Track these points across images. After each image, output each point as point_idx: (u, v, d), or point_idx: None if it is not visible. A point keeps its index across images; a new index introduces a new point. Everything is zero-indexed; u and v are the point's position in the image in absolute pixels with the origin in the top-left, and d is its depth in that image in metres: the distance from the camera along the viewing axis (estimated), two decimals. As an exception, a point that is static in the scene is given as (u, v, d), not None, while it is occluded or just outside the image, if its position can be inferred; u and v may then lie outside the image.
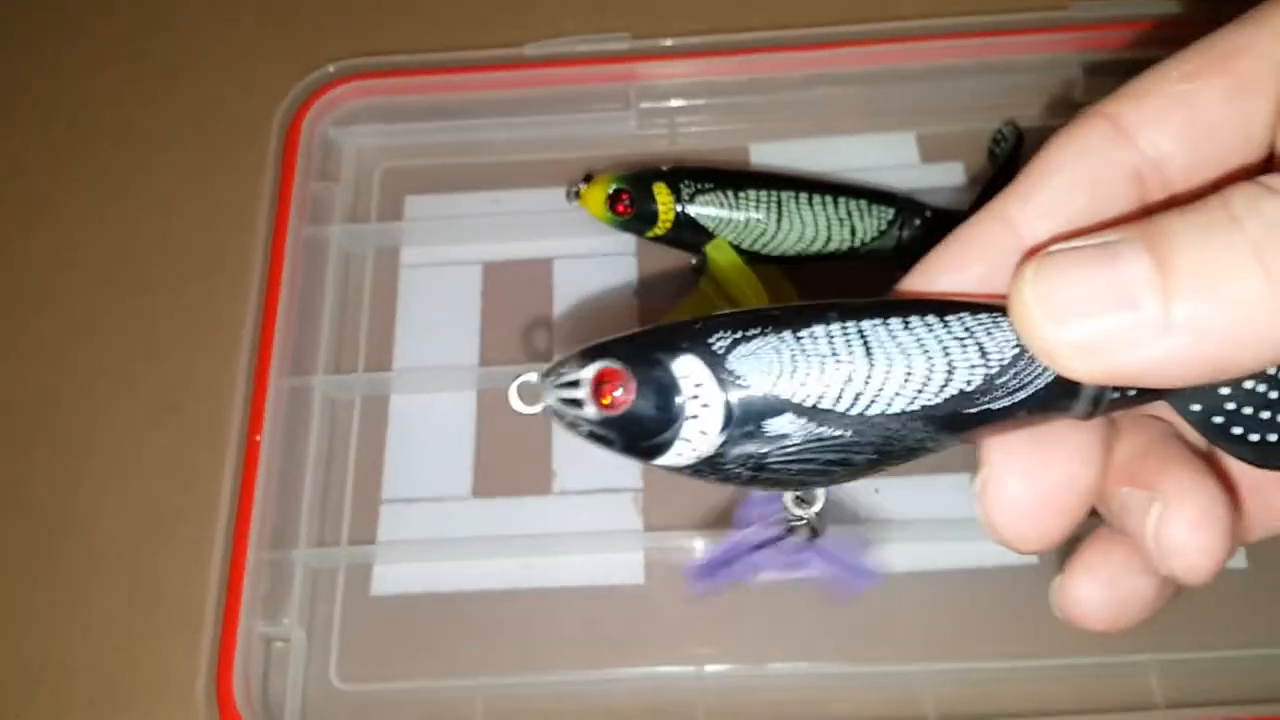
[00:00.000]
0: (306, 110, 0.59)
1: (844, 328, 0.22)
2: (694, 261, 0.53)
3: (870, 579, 0.32)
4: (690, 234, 0.52)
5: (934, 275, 0.26)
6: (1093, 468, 0.26)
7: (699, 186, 0.52)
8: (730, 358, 0.22)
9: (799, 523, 0.26)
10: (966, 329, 0.23)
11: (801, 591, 0.49)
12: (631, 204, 0.52)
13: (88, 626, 0.51)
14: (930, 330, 0.22)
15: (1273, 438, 0.23)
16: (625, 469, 0.50)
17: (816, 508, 0.26)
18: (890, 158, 0.59)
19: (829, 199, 0.53)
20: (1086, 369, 0.22)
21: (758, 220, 0.52)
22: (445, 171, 0.60)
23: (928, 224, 0.53)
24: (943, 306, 0.23)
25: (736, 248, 0.52)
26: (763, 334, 0.22)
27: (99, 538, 0.52)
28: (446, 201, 0.59)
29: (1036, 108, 0.59)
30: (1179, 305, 0.20)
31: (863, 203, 0.53)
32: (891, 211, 0.53)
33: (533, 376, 0.24)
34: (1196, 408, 0.24)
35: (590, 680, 0.48)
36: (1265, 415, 0.23)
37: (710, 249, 0.51)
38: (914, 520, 0.49)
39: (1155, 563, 0.25)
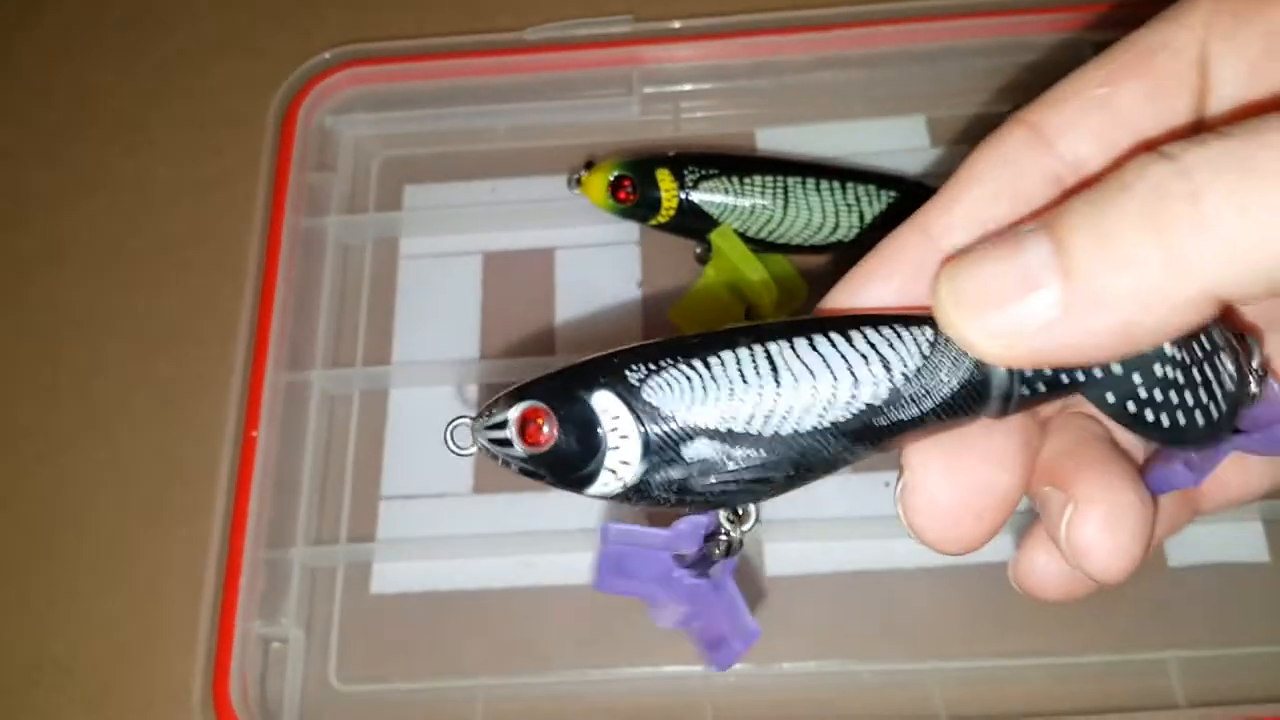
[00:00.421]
0: (302, 99, 0.58)
1: (751, 351, 0.23)
2: (698, 250, 0.52)
3: (747, 639, 0.32)
4: (694, 221, 0.51)
5: (857, 288, 0.26)
6: (1012, 472, 0.26)
7: (703, 172, 0.51)
8: (644, 389, 0.23)
9: (724, 539, 0.27)
10: (870, 344, 0.24)
11: (811, 589, 0.48)
12: (634, 191, 0.51)
13: (84, 626, 0.50)
14: (834, 347, 0.23)
15: (1181, 419, 0.24)
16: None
17: (748, 526, 0.26)
18: (900, 141, 0.57)
19: (837, 184, 0.51)
20: (1003, 356, 0.23)
21: (764, 207, 0.51)
22: (444, 160, 0.59)
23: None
24: (849, 322, 0.24)
25: (742, 235, 0.51)
26: (675, 364, 0.23)
27: (95, 536, 0.52)
28: (446, 190, 0.59)
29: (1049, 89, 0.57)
30: (1078, 280, 0.21)
31: (871, 188, 0.52)
32: (901, 197, 0.52)
33: (466, 421, 0.25)
34: (1111, 398, 0.24)
35: (595, 680, 0.47)
36: (1175, 398, 0.24)
37: (715, 237, 0.50)
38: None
39: (1069, 562, 0.26)
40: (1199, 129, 0.24)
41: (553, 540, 0.50)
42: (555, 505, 0.51)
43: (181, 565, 0.50)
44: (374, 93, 0.59)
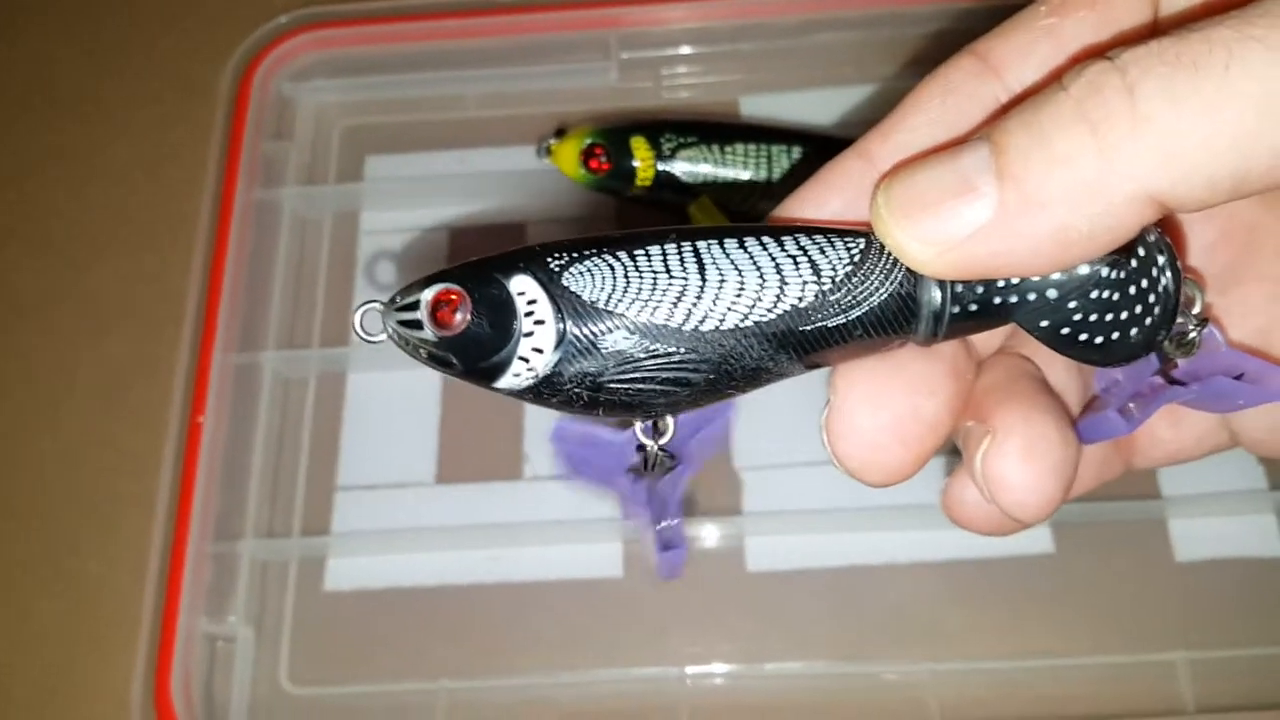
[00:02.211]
0: (258, 64, 0.56)
1: (679, 247, 0.23)
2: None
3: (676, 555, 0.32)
4: (672, 193, 0.50)
5: (796, 210, 0.26)
6: (939, 399, 0.26)
7: (681, 140, 0.49)
8: (565, 275, 0.23)
9: (644, 454, 0.27)
10: (800, 247, 0.24)
11: (797, 585, 0.47)
12: (607, 159, 0.49)
13: (22, 625, 0.49)
14: (764, 249, 0.23)
15: (1115, 336, 0.24)
16: (602, 451, 0.48)
17: (666, 438, 0.26)
18: (891, 108, 0.55)
19: (824, 154, 0.49)
20: (934, 264, 0.23)
21: (746, 177, 0.49)
22: (409, 129, 0.58)
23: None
24: (783, 229, 0.24)
25: (723, 208, 0.49)
26: (598, 254, 0.23)
27: (33, 528, 0.50)
28: (410, 161, 0.57)
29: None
30: (1012, 180, 0.21)
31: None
32: (894, 167, 0.50)
33: (376, 305, 0.24)
34: (1045, 323, 0.24)
35: (564, 683, 0.46)
36: (1109, 317, 0.24)
37: (694, 210, 0.49)
38: (916, 505, 0.46)
39: (985, 496, 0.26)
40: None
41: (521, 533, 0.48)
42: (524, 496, 0.49)
43: (125, 559, 0.49)
44: (334, 57, 0.58)
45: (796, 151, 0.49)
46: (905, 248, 0.23)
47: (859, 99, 0.56)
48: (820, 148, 0.50)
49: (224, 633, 0.46)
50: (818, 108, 0.56)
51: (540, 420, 0.50)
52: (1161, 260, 0.24)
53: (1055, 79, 0.22)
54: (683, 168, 0.49)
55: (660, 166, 0.49)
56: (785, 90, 0.57)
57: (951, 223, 0.22)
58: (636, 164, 0.49)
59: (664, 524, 0.31)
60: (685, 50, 0.57)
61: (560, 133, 0.50)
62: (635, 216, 0.53)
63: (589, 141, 0.49)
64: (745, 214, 0.49)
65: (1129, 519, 0.46)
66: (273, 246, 0.53)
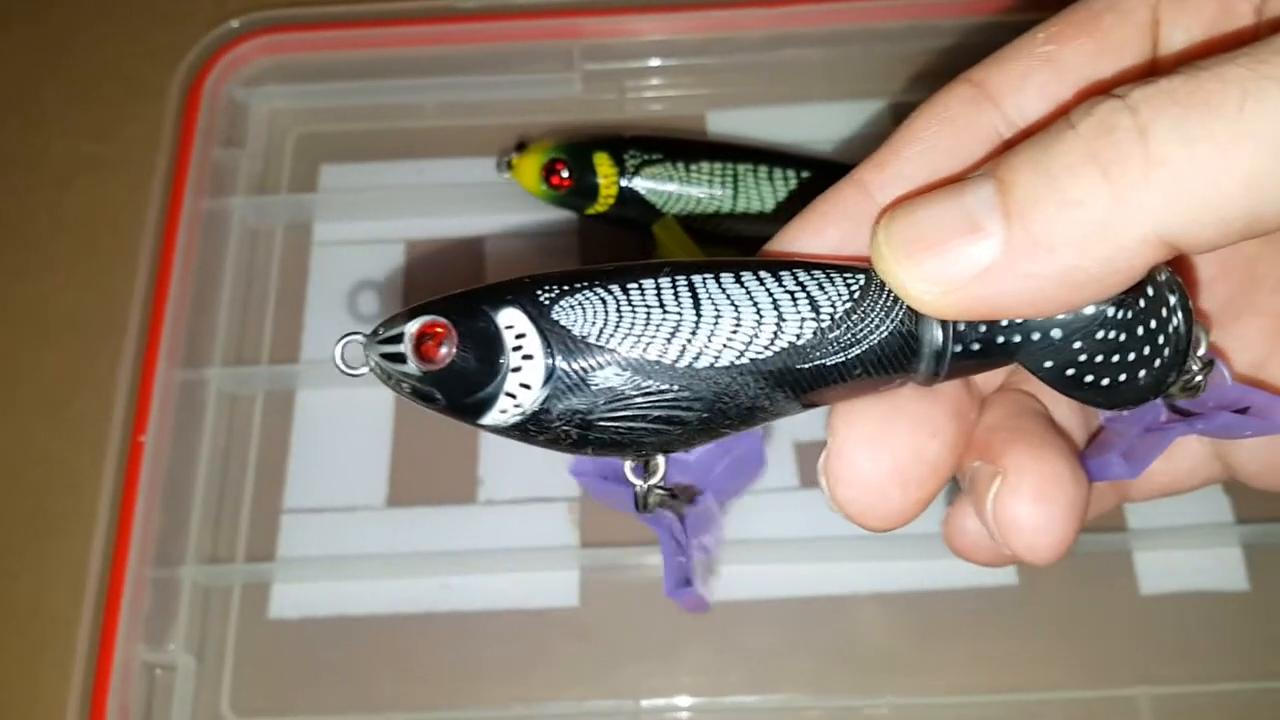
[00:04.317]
0: (210, 68, 0.56)
1: (673, 280, 0.23)
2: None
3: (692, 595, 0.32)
4: (635, 211, 0.50)
5: (791, 242, 0.26)
6: (941, 440, 0.26)
7: (646, 157, 0.49)
8: (555, 309, 0.23)
9: (638, 491, 0.27)
10: (798, 283, 0.23)
11: (755, 616, 0.47)
12: (569, 175, 0.49)
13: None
14: (761, 284, 0.23)
15: (1122, 378, 0.24)
16: (559, 476, 0.47)
17: (657, 478, 0.26)
18: (862, 127, 0.56)
19: (791, 173, 0.50)
20: (938, 304, 0.22)
21: (711, 196, 0.49)
22: (365, 138, 0.57)
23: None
24: (780, 264, 0.24)
25: (687, 227, 0.49)
26: (590, 286, 0.23)
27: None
28: (366, 171, 0.57)
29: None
30: (1020, 220, 0.21)
31: (828, 177, 0.50)
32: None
33: (358, 337, 0.24)
34: (1049, 364, 0.24)
35: (517, 715, 0.46)
36: (1115, 359, 0.24)
37: (657, 229, 0.49)
38: (878, 536, 0.46)
39: (995, 539, 0.26)
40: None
41: (474, 560, 0.48)
42: (478, 521, 0.49)
43: (61, 581, 0.48)
44: (289, 63, 0.57)
45: (763, 170, 0.49)
46: (907, 287, 0.23)
47: (828, 115, 0.56)
48: (788, 165, 0.50)
49: (164, 661, 0.46)
50: (786, 124, 0.56)
51: (495, 443, 0.50)
52: (1172, 300, 0.23)
53: (1061, 115, 0.22)
54: (646, 185, 0.49)
55: (623, 183, 0.49)
56: (753, 105, 0.57)
57: (956, 263, 0.22)
58: (599, 181, 0.49)
59: (679, 559, 0.31)
60: (651, 63, 0.57)
61: (521, 147, 0.50)
62: (598, 233, 0.53)
63: (551, 157, 0.49)
64: (710, 234, 0.50)
65: (1094, 551, 0.47)
66: (221, 258, 0.53)
